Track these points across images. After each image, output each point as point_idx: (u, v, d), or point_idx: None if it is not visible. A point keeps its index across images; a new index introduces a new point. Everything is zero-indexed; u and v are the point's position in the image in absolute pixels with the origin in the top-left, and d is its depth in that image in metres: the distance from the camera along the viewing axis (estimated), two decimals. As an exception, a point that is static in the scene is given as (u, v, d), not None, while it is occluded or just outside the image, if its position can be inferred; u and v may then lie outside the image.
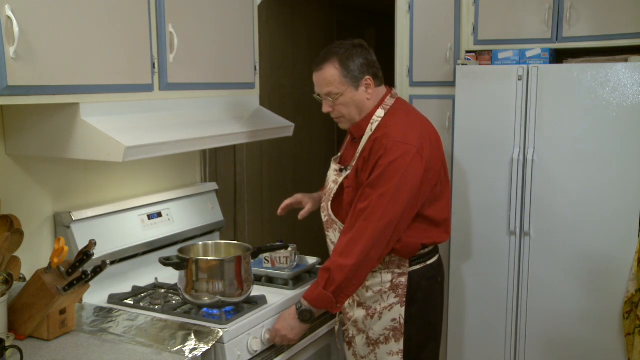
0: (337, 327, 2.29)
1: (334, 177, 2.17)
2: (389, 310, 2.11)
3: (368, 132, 2.08)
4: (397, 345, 2.11)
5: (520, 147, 2.92)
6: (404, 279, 2.09)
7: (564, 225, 2.86)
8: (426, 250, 2.15)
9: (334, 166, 2.22)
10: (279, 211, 2.38)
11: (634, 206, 2.71)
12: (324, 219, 2.21)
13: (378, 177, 1.97)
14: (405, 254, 2.08)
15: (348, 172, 2.10)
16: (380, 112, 2.09)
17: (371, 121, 2.08)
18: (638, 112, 2.68)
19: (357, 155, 2.09)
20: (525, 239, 2.95)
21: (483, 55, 3.09)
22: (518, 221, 2.95)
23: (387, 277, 2.10)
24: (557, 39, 2.99)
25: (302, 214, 2.32)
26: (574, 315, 2.87)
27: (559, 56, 3.07)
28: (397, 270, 2.10)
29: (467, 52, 3.16)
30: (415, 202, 2.01)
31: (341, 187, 2.11)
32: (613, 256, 2.77)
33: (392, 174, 1.96)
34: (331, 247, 2.19)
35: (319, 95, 2.10)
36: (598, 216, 2.78)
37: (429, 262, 2.16)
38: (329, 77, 2.03)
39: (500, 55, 3.02)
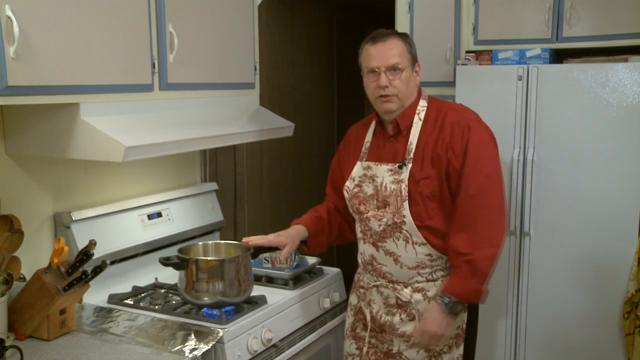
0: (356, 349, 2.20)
1: (391, 177, 2.01)
2: (454, 319, 2.02)
3: (417, 122, 2.02)
4: (458, 351, 2.05)
5: (520, 147, 2.92)
6: None
7: (564, 225, 2.86)
8: None
9: (382, 167, 2.04)
10: (246, 241, 2.18)
11: (634, 206, 2.71)
12: (379, 228, 2.03)
13: (476, 159, 1.95)
14: None
15: (410, 165, 1.99)
16: (423, 102, 2.06)
17: (417, 111, 2.04)
18: (638, 112, 2.68)
19: (413, 146, 2.00)
20: (525, 239, 2.95)
21: (483, 55, 3.09)
22: (518, 221, 2.95)
23: None
24: (557, 39, 2.99)
25: (283, 255, 2.17)
26: (574, 315, 2.86)
27: (559, 56, 3.06)
28: None
29: (467, 52, 3.16)
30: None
31: (411, 182, 1.98)
32: (613, 256, 2.77)
33: (487, 153, 1.99)
34: (385, 260, 2.05)
35: (376, 69, 1.97)
36: (598, 216, 2.78)
37: None
38: (397, 48, 1.98)
39: (500, 55, 3.02)
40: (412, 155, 2.00)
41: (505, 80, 2.92)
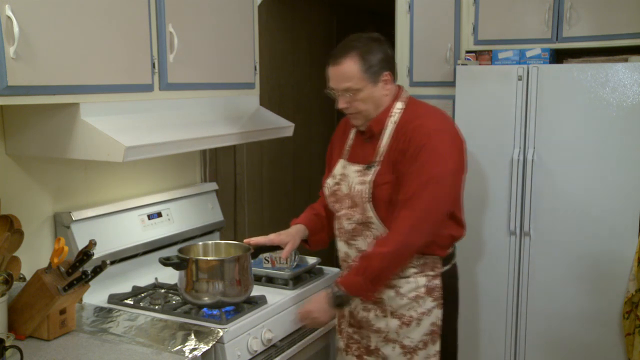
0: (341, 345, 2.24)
1: (359, 179, 2.03)
2: (428, 315, 2.06)
3: (390, 125, 2.01)
4: (434, 347, 2.08)
5: (520, 147, 2.92)
6: (437, 281, 2.06)
7: (564, 225, 2.86)
8: (451, 250, 2.13)
9: (353, 167, 2.07)
10: (247, 241, 2.22)
11: (634, 206, 2.71)
12: (349, 226, 2.08)
13: (421, 165, 1.91)
14: (441, 251, 2.05)
15: (376, 168, 2.00)
16: (399, 105, 2.03)
17: (391, 114, 2.02)
18: (638, 112, 2.68)
19: (382, 149, 2.00)
20: (525, 239, 2.95)
21: (483, 55, 3.09)
22: (518, 221, 2.95)
23: (422, 281, 2.05)
24: (557, 39, 2.99)
25: (285, 254, 2.20)
26: (574, 315, 2.87)
27: (559, 56, 3.07)
28: (431, 273, 2.05)
29: (467, 52, 3.16)
30: (457, 188, 2.00)
31: (374, 185, 2.00)
32: (613, 256, 2.77)
33: (437, 159, 1.92)
34: (357, 257, 2.06)
35: (333, 90, 2.00)
36: (598, 216, 2.78)
37: (453, 261, 2.16)
38: (348, 72, 1.94)
39: (500, 55, 3.02)
40: (381, 158, 2.01)
41: (505, 80, 2.92)
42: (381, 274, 1.96)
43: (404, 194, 1.94)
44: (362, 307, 2.12)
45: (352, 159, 2.10)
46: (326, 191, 2.16)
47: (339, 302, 1.99)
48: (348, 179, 2.07)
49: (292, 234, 2.21)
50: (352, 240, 2.09)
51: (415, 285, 2.05)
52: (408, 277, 2.05)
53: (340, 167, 2.13)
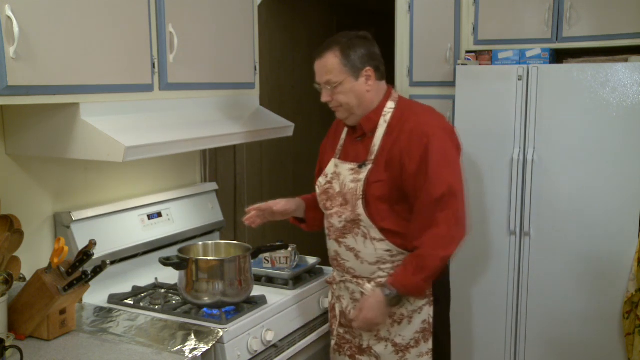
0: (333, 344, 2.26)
1: (352, 177, 2.06)
2: (419, 313, 2.07)
3: (382, 124, 2.04)
4: (427, 345, 2.08)
5: (520, 147, 2.92)
6: None
7: (564, 225, 2.86)
8: None
9: (346, 166, 2.09)
10: (247, 218, 2.26)
11: (634, 206, 2.71)
12: (340, 224, 2.09)
13: (438, 166, 1.96)
14: None
15: (369, 167, 2.03)
16: (390, 104, 2.07)
17: (383, 113, 2.06)
18: (638, 112, 2.68)
19: (375, 148, 2.03)
20: (525, 239, 2.95)
21: (483, 55, 3.09)
22: (518, 221, 2.95)
23: None
24: (557, 39, 2.99)
25: (278, 206, 2.23)
26: (574, 315, 2.87)
27: (559, 56, 3.07)
28: None
29: (467, 52, 3.16)
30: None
31: (366, 183, 2.02)
32: (613, 256, 2.77)
33: (449, 160, 1.99)
34: (347, 255, 2.09)
35: (318, 84, 2.06)
36: (598, 216, 2.78)
37: None
38: (329, 65, 2.00)
39: (500, 55, 3.02)
40: (373, 157, 2.04)
41: (505, 80, 2.92)
42: (434, 274, 2.00)
43: (428, 194, 1.95)
44: (353, 306, 2.12)
45: (344, 158, 2.13)
46: (318, 190, 2.18)
47: (394, 303, 2.02)
48: (341, 177, 2.09)
49: (287, 199, 2.26)
50: (342, 238, 2.10)
51: None
52: None
53: (332, 166, 2.15)
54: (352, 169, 2.06)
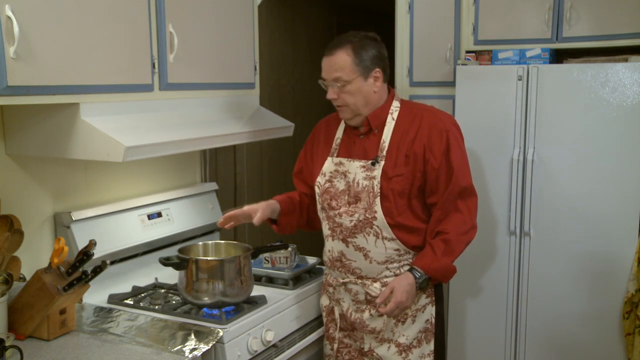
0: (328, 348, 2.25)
1: (364, 174, 2.04)
2: (423, 312, 2.08)
3: (390, 121, 2.06)
4: (429, 347, 2.09)
5: (520, 147, 2.92)
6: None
7: (564, 225, 2.86)
8: None
9: (355, 163, 2.07)
10: (221, 223, 2.21)
11: (634, 206, 2.71)
12: (350, 224, 2.06)
13: (460, 163, 2.04)
14: None
15: (382, 163, 2.03)
16: (396, 104, 2.11)
17: (390, 111, 2.08)
18: (638, 112, 2.68)
19: (385, 145, 2.04)
20: (525, 239, 2.95)
21: (483, 55, 3.09)
22: (518, 221, 2.95)
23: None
24: (557, 39, 2.99)
25: (256, 219, 2.14)
26: (574, 315, 2.87)
27: (559, 56, 3.06)
28: None
29: (467, 52, 3.16)
30: None
31: (383, 178, 2.02)
32: (613, 256, 2.77)
33: (463, 153, 2.07)
34: (355, 255, 2.07)
35: (324, 80, 2.05)
36: (598, 216, 2.78)
37: None
38: (340, 62, 1.99)
39: (500, 55, 3.02)
40: (384, 152, 2.04)
41: (505, 80, 2.92)
42: (457, 257, 2.06)
43: (455, 183, 2.03)
44: (355, 308, 2.12)
45: (348, 155, 2.12)
46: (318, 190, 2.16)
47: (423, 286, 2.04)
48: (348, 175, 2.08)
49: (262, 205, 2.22)
50: (351, 237, 2.08)
51: None
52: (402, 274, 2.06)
53: (330, 164, 2.13)
54: (364, 166, 2.06)
